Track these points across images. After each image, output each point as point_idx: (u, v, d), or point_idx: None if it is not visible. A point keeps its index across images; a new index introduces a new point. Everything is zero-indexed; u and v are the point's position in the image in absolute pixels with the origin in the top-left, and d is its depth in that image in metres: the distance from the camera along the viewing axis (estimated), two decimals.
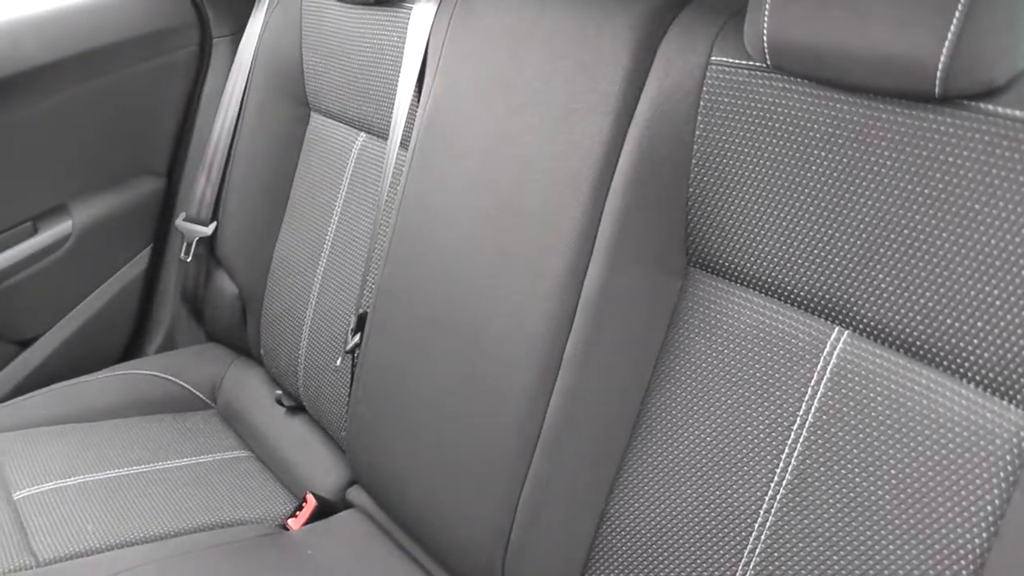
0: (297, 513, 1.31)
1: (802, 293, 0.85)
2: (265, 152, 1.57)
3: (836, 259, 0.81)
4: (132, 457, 1.41)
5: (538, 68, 1.05)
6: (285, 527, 1.30)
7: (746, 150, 0.87)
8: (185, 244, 1.65)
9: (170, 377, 1.62)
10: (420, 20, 1.25)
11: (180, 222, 1.66)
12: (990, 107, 0.71)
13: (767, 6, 0.79)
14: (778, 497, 0.84)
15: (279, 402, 1.53)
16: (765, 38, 0.80)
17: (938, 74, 0.70)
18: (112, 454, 1.41)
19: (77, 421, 1.51)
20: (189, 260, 1.65)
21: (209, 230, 1.62)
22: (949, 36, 0.69)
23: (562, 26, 1.03)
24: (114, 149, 1.71)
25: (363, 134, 1.41)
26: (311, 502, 1.31)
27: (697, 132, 0.90)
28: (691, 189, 0.92)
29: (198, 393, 1.63)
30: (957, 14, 0.68)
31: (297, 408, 1.52)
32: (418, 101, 1.25)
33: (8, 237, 1.61)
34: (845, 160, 0.80)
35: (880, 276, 0.78)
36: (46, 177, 1.64)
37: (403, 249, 1.20)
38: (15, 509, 1.26)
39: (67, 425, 1.49)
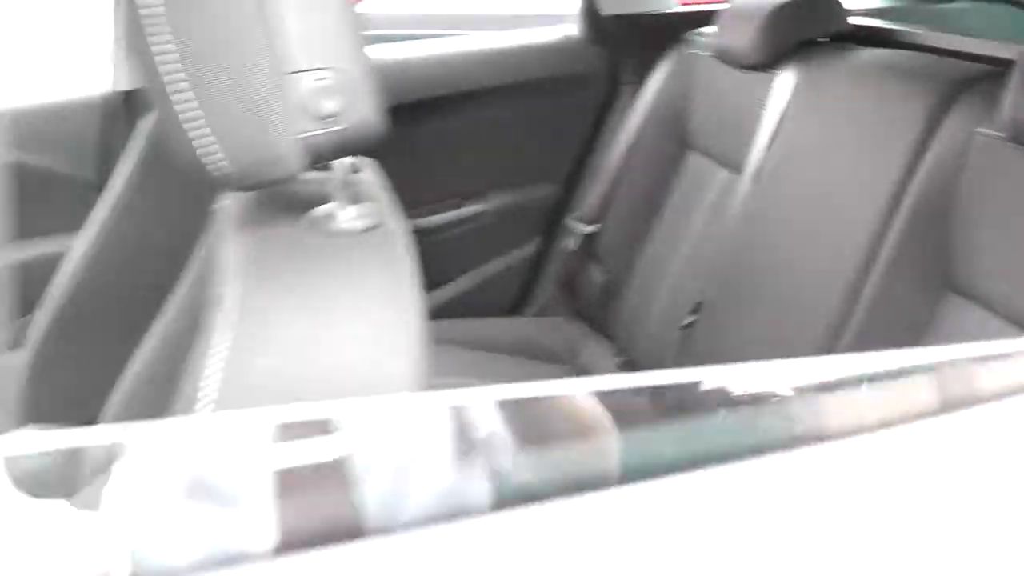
0: None
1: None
2: (648, 177, 1.92)
3: None
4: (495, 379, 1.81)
5: (856, 129, 1.39)
6: None
7: (994, 203, 1.16)
8: (572, 238, 2.01)
9: (540, 336, 2.01)
10: (782, 85, 1.60)
11: (570, 220, 2.05)
12: None
13: (1011, 95, 1.09)
14: None
15: (621, 368, 1.88)
16: (1012, 118, 1.10)
17: None
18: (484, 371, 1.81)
19: (462, 347, 1.92)
20: (572, 250, 2.02)
21: (593, 229, 1.98)
22: None
23: (873, 98, 1.38)
24: (527, 158, 2.14)
25: (725, 170, 1.75)
26: None
27: (963, 185, 1.20)
28: (953, 228, 1.21)
29: (559, 352, 1.99)
30: None
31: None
32: (772, 148, 1.59)
33: (440, 206, 2.10)
34: None
35: None
36: (472, 169, 2.11)
37: (736, 256, 1.56)
38: None
39: (456, 346, 1.90)
